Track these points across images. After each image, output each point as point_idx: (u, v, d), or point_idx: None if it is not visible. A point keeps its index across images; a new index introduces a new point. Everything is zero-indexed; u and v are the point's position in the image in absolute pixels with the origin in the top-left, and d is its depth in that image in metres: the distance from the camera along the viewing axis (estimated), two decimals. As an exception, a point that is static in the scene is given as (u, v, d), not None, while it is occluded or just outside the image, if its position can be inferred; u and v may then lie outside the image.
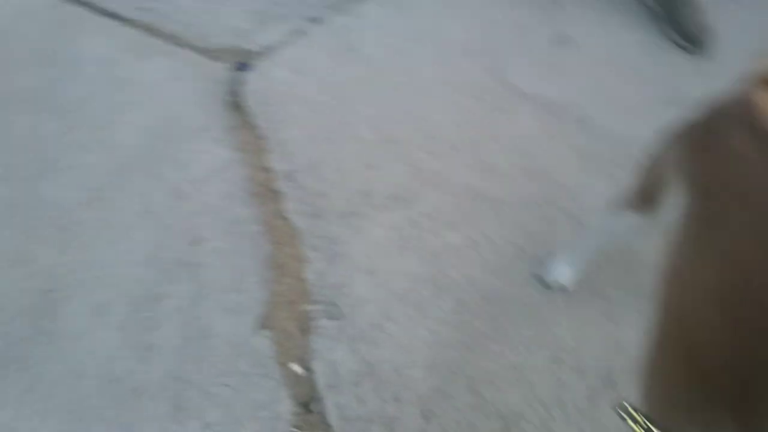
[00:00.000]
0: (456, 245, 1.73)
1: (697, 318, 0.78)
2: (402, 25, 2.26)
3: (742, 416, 0.67)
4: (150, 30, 2.19)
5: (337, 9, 2.29)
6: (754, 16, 2.36)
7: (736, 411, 0.68)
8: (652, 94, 2.11)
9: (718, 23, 2.27)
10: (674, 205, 1.04)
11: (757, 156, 0.87)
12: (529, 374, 1.51)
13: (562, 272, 1.63)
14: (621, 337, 1.58)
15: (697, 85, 2.10)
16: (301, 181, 1.83)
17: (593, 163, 1.92)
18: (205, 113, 1.96)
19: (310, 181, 1.83)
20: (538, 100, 2.07)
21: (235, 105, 1.99)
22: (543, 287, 1.65)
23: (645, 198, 1.22)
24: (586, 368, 1.52)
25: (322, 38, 2.20)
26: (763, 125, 0.90)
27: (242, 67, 2.08)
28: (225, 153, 1.88)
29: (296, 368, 1.50)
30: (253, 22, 2.24)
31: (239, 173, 1.84)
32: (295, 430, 1.42)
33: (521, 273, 1.69)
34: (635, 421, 0.76)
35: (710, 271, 0.80)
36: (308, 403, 1.46)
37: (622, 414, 0.78)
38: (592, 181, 1.88)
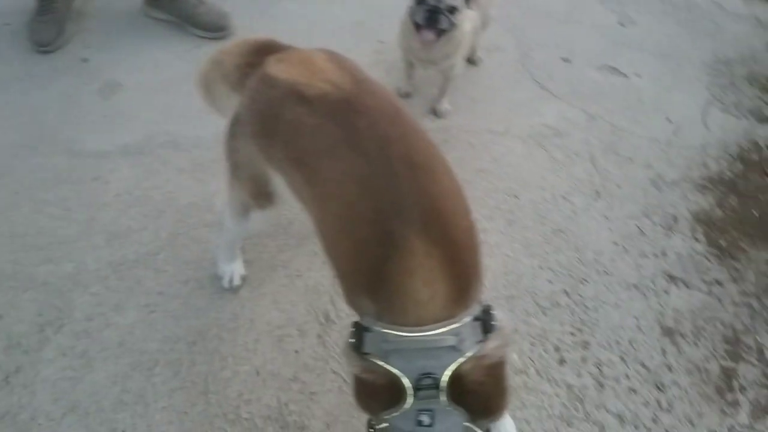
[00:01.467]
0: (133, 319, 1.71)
1: (336, 246, 1.10)
2: None
3: (374, 298, 1.02)
4: None
5: None
6: None
7: (371, 295, 1.02)
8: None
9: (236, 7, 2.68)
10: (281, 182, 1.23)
11: (313, 120, 1.08)
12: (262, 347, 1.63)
13: (230, 270, 1.76)
14: (311, 284, 1.80)
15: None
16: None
17: (199, 173, 2.07)
18: None
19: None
20: (113, 152, 2.12)
21: None
22: (228, 290, 1.76)
23: (260, 197, 1.38)
24: (303, 323, 1.72)
25: None
26: (298, 90, 1.10)
27: None
28: None
29: None
30: None
31: None
32: None
33: (211, 289, 1.76)
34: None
35: (333, 205, 1.07)
36: None
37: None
38: (198, 186, 2.02)
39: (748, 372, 1.73)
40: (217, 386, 1.56)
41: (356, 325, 1.06)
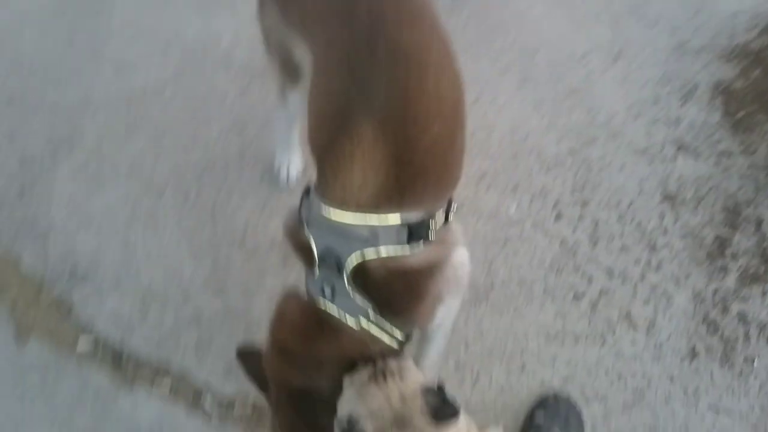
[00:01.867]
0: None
1: (310, 109, 1.09)
2: None
3: (318, 166, 1.03)
4: None
5: None
6: None
7: (317, 162, 1.04)
8: None
9: None
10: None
11: None
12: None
13: (285, 162, 1.68)
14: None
15: None
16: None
17: (204, 10, 2.00)
18: None
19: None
20: None
21: None
22: (281, 185, 1.70)
23: (287, 68, 1.32)
24: (308, 162, 1.72)
25: None
26: None
27: None
28: None
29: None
30: None
31: None
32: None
33: (217, 126, 1.77)
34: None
35: (318, 70, 1.06)
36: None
37: None
38: (204, 22, 1.97)
39: (742, 241, 1.76)
40: (224, 215, 1.63)
41: (305, 189, 1.07)
